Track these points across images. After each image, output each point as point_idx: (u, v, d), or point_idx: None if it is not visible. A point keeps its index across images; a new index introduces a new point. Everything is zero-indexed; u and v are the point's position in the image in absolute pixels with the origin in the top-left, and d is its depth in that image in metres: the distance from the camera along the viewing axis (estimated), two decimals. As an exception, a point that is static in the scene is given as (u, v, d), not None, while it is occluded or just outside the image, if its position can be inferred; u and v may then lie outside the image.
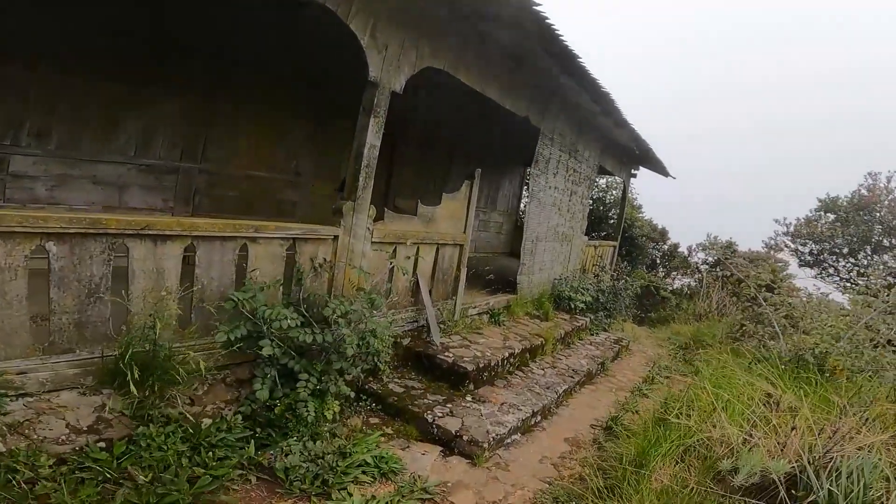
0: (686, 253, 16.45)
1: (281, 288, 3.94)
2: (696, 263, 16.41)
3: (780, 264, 15.35)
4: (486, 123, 11.07)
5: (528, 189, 6.74)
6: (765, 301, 8.55)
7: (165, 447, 2.71)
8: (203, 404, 3.37)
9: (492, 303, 7.19)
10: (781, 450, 2.98)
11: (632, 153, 10.75)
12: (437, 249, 5.72)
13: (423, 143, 10.07)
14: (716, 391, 4.11)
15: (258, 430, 3.30)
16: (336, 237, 4.34)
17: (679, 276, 17.84)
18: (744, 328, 10.22)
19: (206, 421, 3.16)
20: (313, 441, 3.32)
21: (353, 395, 3.99)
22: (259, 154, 7.36)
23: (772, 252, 15.33)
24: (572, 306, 8.90)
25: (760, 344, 8.98)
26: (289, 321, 3.41)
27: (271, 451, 3.14)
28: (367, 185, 4.48)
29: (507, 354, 5.79)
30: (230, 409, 3.43)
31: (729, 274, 14.60)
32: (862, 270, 9.59)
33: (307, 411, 3.36)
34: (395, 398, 4.46)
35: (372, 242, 4.71)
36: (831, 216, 10.64)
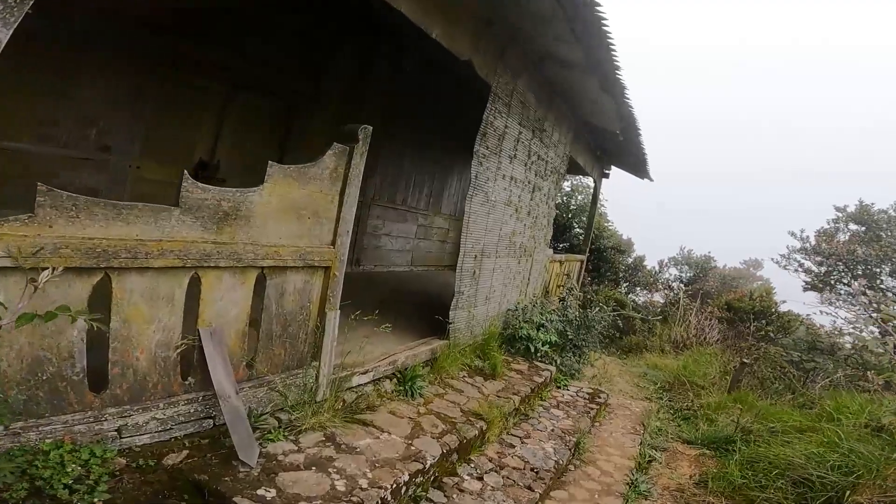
0: (657, 268, 14.06)
1: None
2: (668, 280, 14.07)
3: (759, 283, 13.25)
4: (430, 95, 8.10)
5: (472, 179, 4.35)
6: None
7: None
8: None
9: (402, 359, 4.20)
10: None
11: (611, 141, 8.06)
12: (265, 278, 2.68)
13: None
14: None
15: None
16: None
17: (644, 292, 15.51)
18: (753, 371, 7.74)
19: None
20: None
21: None
22: (20, 115, 4.12)
23: (751, 269, 13.15)
24: (532, 349, 6.04)
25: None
26: None
27: None
28: None
29: (408, 476, 2.82)
30: None
31: (711, 294, 12.28)
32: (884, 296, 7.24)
33: None
34: None
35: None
36: (853, 227, 8.28)
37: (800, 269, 8.77)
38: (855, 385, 5.48)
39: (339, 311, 3.30)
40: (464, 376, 5.03)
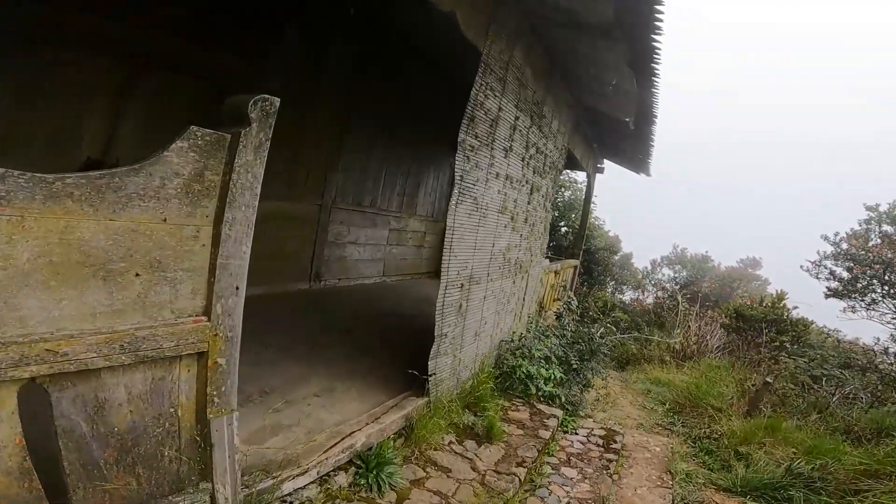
0: (649, 268, 12.98)
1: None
2: (661, 280, 13.01)
3: (757, 283, 12.30)
4: (402, 80, 6.66)
5: (458, 180, 3.15)
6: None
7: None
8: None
9: (362, 439, 2.84)
10: None
11: (614, 132, 6.78)
12: (47, 391, 1.27)
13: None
14: None
15: None
16: None
17: (631, 291, 14.45)
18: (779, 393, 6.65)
19: None
20: None
21: None
22: None
23: (749, 269, 12.18)
24: (533, 390, 4.75)
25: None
26: None
27: None
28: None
29: None
30: None
31: (710, 297, 11.23)
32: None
33: None
34: None
35: None
36: (887, 228, 7.22)
37: (831, 278, 7.71)
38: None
39: (235, 414, 1.90)
40: (450, 443, 3.69)
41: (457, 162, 3.25)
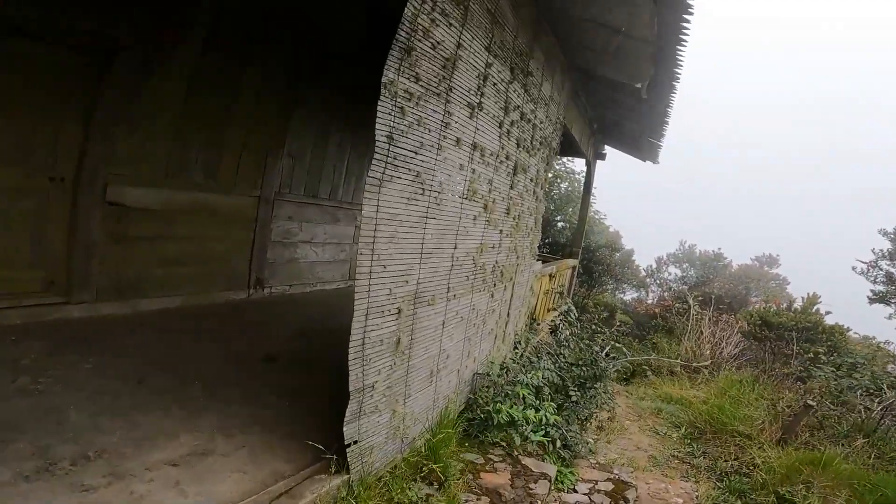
0: (654, 266, 11.70)
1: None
2: (666, 279, 11.75)
3: (773, 282, 11.04)
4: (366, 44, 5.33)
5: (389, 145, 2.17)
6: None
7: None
8: None
9: None
10: None
11: (618, 106, 5.48)
12: None
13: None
14: None
15: None
16: None
17: (632, 290, 13.17)
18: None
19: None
20: None
21: None
22: None
23: (765, 267, 10.91)
24: (517, 440, 3.48)
25: None
26: None
27: None
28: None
29: None
30: None
31: (723, 299, 9.95)
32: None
33: None
34: None
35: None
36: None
37: (886, 281, 6.43)
38: None
39: None
40: (384, 544, 2.42)
41: (380, 115, 1.96)
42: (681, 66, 3.77)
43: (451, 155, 2.49)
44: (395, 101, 2.01)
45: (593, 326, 6.05)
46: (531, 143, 3.67)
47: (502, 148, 3.12)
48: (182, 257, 4.58)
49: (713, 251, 10.67)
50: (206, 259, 4.81)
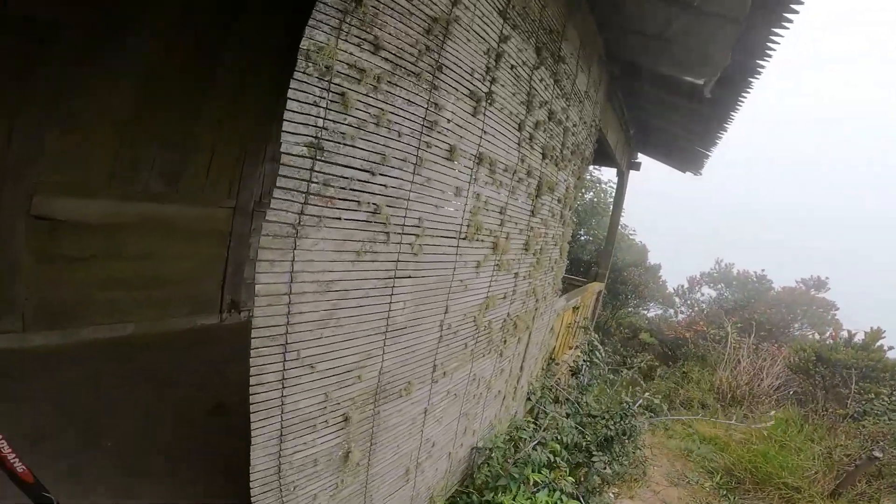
0: (685, 286, 10.53)
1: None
2: (699, 300, 10.56)
3: (819, 309, 9.78)
4: None
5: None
6: None
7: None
8: None
9: None
10: None
11: (662, 109, 4.46)
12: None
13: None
14: None
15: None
16: None
17: (656, 307, 11.99)
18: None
19: None
20: None
21: None
22: None
23: (811, 291, 9.66)
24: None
25: None
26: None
27: None
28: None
29: None
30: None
31: (764, 326, 8.77)
32: None
33: None
34: None
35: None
36: None
37: None
38: None
39: None
40: None
41: (295, 106, 1.04)
42: (770, 54, 2.75)
43: (438, 173, 1.56)
44: (330, 81, 1.09)
45: (619, 353, 5.04)
46: (561, 152, 2.70)
47: (522, 160, 2.17)
48: (133, 279, 3.76)
49: (755, 272, 9.47)
50: (166, 281, 3.98)
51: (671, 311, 11.24)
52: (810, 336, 8.96)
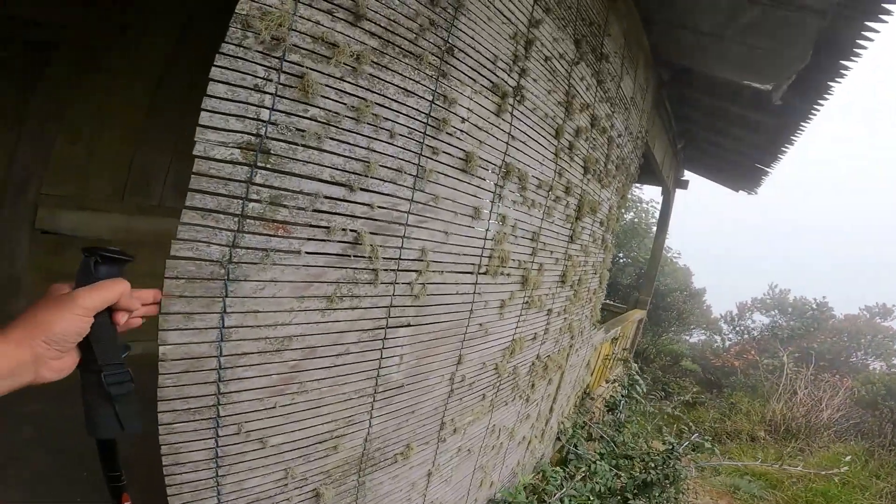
0: (735, 312, 9.63)
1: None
2: (749, 327, 9.62)
3: (881, 336, 8.68)
4: None
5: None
6: None
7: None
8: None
9: None
10: None
11: (716, 120, 3.94)
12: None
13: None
14: None
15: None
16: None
17: (700, 332, 11.05)
18: None
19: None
20: None
21: None
22: None
23: (876, 319, 8.60)
24: None
25: None
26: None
27: None
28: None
29: None
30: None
31: (824, 356, 7.81)
32: None
33: None
34: None
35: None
36: None
37: None
38: None
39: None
40: None
41: (221, 90, 0.69)
42: (860, 53, 2.24)
43: (449, 188, 1.17)
44: (281, 59, 0.74)
45: (661, 383, 4.45)
46: (605, 166, 2.27)
47: (559, 174, 1.76)
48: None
49: (814, 299, 8.50)
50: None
51: (717, 337, 10.35)
52: (871, 367, 7.99)
